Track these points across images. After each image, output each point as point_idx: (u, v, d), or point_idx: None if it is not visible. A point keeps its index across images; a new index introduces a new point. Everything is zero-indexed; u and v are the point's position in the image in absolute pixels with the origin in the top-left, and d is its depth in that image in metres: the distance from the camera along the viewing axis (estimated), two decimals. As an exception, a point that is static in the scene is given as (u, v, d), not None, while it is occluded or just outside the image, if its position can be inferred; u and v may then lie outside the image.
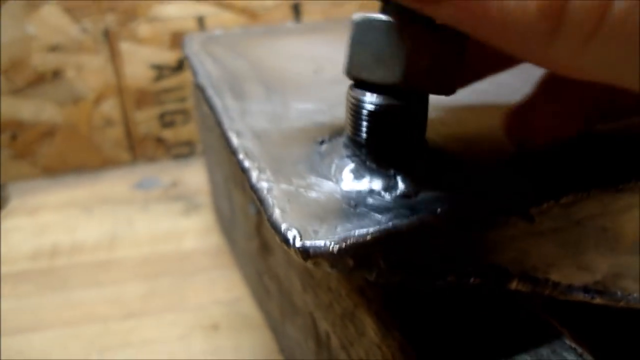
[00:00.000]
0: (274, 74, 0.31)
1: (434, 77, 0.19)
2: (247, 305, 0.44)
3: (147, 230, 0.55)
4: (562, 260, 0.20)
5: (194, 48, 0.35)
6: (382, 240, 0.17)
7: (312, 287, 0.27)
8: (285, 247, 0.17)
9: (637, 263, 0.21)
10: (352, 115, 0.20)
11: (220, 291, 0.46)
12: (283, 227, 0.18)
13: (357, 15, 0.19)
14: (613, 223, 0.21)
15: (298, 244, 0.17)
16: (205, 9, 0.62)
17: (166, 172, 0.66)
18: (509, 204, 0.19)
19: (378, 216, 0.18)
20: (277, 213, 0.18)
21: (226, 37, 0.38)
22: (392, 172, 0.20)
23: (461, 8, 0.15)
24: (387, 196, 0.19)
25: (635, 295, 0.21)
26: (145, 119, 0.66)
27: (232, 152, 0.23)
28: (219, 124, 0.26)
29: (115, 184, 0.64)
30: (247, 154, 0.22)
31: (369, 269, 0.18)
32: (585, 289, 0.20)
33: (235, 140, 0.24)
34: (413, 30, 0.18)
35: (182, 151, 0.68)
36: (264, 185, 0.20)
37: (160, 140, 0.67)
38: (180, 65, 0.64)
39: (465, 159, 0.21)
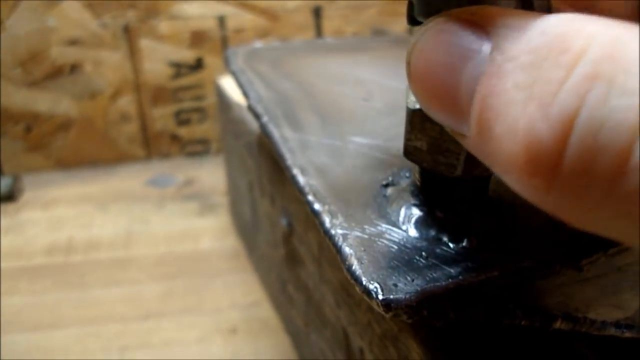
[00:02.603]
0: (325, 100, 0.31)
1: (433, 157, 0.20)
2: (265, 310, 0.44)
3: (163, 229, 0.55)
4: (600, 301, 0.21)
5: (238, 64, 0.35)
6: (453, 293, 0.19)
7: (349, 304, 0.27)
8: (367, 298, 0.18)
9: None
10: (420, 173, 0.22)
11: (237, 294, 0.46)
12: (364, 280, 0.19)
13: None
14: None
15: (381, 297, 0.18)
16: (226, 9, 0.63)
17: (180, 169, 0.66)
18: (563, 256, 0.20)
19: (448, 269, 0.19)
20: (355, 264, 0.19)
21: (268, 52, 0.38)
22: (457, 222, 0.21)
23: (475, 150, 0.15)
24: (454, 247, 0.20)
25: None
26: (161, 116, 0.66)
27: (299, 190, 0.24)
28: (279, 156, 0.26)
29: (130, 179, 0.64)
30: (315, 195, 0.23)
31: (439, 318, 0.19)
32: (617, 325, 0.21)
33: (301, 179, 0.24)
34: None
35: (197, 149, 0.69)
36: (339, 232, 0.21)
37: (175, 137, 0.68)
38: (198, 64, 0.65)
39: (521, 206, 0.22)
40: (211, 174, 0.64)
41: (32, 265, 0.50)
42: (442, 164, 0.19)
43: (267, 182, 0.38)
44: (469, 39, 0.15)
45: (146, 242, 0.53)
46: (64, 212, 0.58)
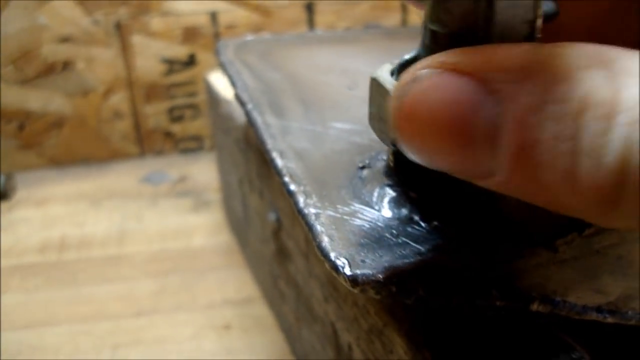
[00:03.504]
0: (310, 89, 0.32)
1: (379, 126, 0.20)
2: (259, 306, 0.44)
3: (156, 226, 0.55)
4: (579, 284, 0.21)
5: (228, 56, 0.35)
6: (422, 270, 0.19)
7: (336, 299, 0.27)
8: (335, 274, 0.19)
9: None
10: (393, 154, 0.22)
11: (231, 291, 0.46)
12: (332, 255, 0.19)
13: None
14: (628, 251, 0.22)
15: (347, 272, 0.18)
16: (218, 5, 0.62)
17: (174, 166, 0.66)
18: (537, 236, 0.20)
19: (418, 246, 0.19)
20: (325, 241, 0.20)
21: (258, 44, 0.39)
22: (430, 202, 0.21)
23: (511, 191, 0.15)
24: (426, 226, 0.20)
25: (646, 314, 0.22)
26: (155, 113, 0.66)
27: (277, 173, 0.24)
28: (260, 141, 0.27)
29: (123, 177, 0.64)
30: (292, 177, 0.23)
31: (408, 295, 0.19)
32: (598, 309, 0.21)
33: (279, 161, 0.24)
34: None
35: (190, 146, 0.68)
36: (311, 211, 0.21)
37: (168, 134, 0.67)
38: (191, 60, 0.64)
39: None
40: (205, 171, 0.64)
41: (25, 263, 0.50)
42: (382, 133, 0.20)
43: (255, 177, 0.37)
44: (467, 92, 0.15)
45: (139, 239, 0.53)
46: (57, 210, 0.58)
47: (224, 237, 0.53)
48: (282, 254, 0.35)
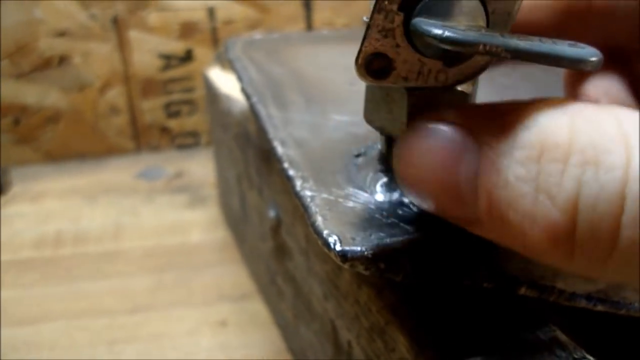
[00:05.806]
0: (313, 83, 0.33)
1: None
2: (255, 303, 0.44)
3: (152, 221, 0.55)
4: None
5: (236, 53, 0.37)
6: (409, 248, 0.20)
7: (336, 297, 0.27)
8: (326, 250, 0.20)
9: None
10: (385, 140, 0.23)
11: (227, 287, 0.46)
12: (325, 233, 0.20)
13: None
14: None
15: (338, 248, 0.20)
16: (215, 1, 0.62)
17: (170, 162, 0.66)
18: None
19: (406, 227, 0.21)
20: (319, 220, 0.21)
21: (265, 42, 0.40)
22: None
23: (490, 234, 0.18)
24: (415, 209, 0.22)
25: (636, 305, 0.22)
26: (151, 108, 0.66)
27: (277, 159, 0.25)
28: (263, 131, 0.28)
29: (119, 172, 0.64)
30: (291, 163, 0.25)
31: (396, 272, 0.20)
32: (588, 297, 0.22)
33: (280, 149, 0.26)
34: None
35: (187, 141, 0.68)
36: (307, 193, 0.23)
37: (165, 130, 0.67)
38: (188, 56, 0.64)
39: None
40: (201, 167, 0.64)
41: (20, 259, 0.50)
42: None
43: (255, 174, 0.38)
44: (454, 140, 0.17)
45: (135, 235, 0.53)
46: (53, 205, 0.58)
47: (220, 233, 0.52)
48: (280, 251, 0.35)
